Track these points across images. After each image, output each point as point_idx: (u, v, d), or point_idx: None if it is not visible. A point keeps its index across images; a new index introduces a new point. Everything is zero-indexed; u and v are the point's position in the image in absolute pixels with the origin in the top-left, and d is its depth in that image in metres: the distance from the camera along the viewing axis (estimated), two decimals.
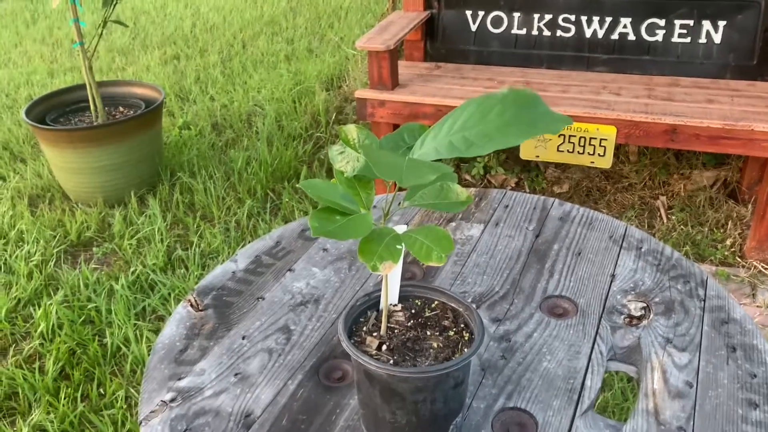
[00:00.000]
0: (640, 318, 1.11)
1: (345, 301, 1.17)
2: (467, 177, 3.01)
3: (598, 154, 2.38)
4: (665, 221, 2.71)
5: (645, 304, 1.14)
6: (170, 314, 2.25)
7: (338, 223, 0.69)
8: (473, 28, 2.84)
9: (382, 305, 0.88)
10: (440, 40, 2.91)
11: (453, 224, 1.38)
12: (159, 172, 3.04)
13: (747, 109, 2.31)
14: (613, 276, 1.21)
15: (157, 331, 2.21)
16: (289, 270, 1.26)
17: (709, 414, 0.93)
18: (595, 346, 1.06)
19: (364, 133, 0.77)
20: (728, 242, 2.57)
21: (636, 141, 2.33)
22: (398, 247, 0.71)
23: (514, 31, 2.78)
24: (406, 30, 2.61)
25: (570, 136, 2.38)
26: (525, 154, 2.47)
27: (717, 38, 2.56)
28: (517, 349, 1.05)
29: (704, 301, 1.14)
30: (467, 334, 0.86)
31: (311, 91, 3.87)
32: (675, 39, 2.60)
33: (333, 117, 3.57)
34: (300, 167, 3.15)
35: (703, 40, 2.57)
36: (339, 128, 0.76)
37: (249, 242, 2.61)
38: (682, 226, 2.66)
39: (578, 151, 2.40)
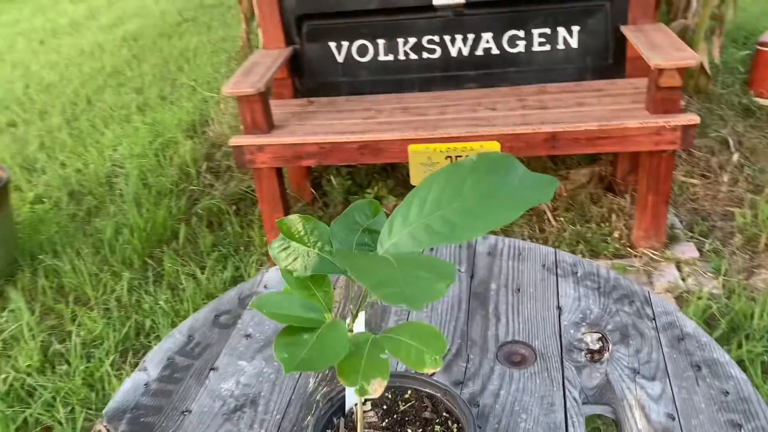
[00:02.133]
0: (600, 351, 1.06)
1: (286, 395, 1.03)
2: None
3: None
4: (554, 224, 2.77)
5: (600, 334, 1.09)
6: (59, 423, 1.97)
7: (308, 345, 0.56)
8: (340, 59, 2.76)
9: (352, 408, 0.76)
10: (308, 75, 2.81)
11: None
12: (16, 259, 2.69)
13: (615, 107, 2.41)
14: (559, 309, 1.16)
15: None
16: (212, 369, 1.10)
17: None
18: (567, 392, 0.99)
19: (311, 224, 0.65)
20: (616, 234, 2.67)
21: (519, 152, 2.35)
22: (383, 357, 0.59)
23: (381, 58, 2.74)
24: (273, 69, 2.48)
25: (456, 156, 2.36)
26: (415, 180, 2.43)
27: (573, 43, 2.66)
28: (489, 413, 0.96)
29: (654, 320, 1.11)
30: (455, 426, 0.76)
31: (174, 141, 3.62)
32: (536, 48, 2.68)
33: (204, 166, 3.35)
34: (177, 226, 2.92)
35: (561, 46, 2.66)
36: (278, 222, 0.64)
37: (135, 321, 2.36)
38: (570, 226, 2.73)
39: None
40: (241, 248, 2.77)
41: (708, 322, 2.14)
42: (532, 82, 2.71)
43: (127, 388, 1.07)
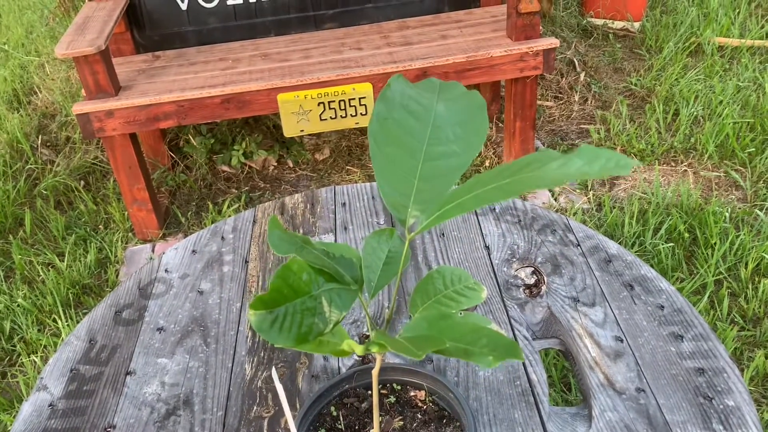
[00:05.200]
0: (537, 285, 1.06)
1: (223, 388, 0.92)
2: (225, 168, 2.75)
3: (360, 114, 2.31)
4: None
5: (532, 268, 1.09)
6: None
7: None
8: (183, 6, 2.51)
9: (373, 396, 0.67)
10: (149, 27, 2.53)
11: None
12: None
13: (478, 38, 2.41)
14: (487, 248, 1.14)
15: None
16: (128, 374, 0.96)
17: (651, 363, 0.91)
18: (515, 332, 0.98)
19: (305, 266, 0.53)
20: (487, 164, 2.73)
21: None
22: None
23: (230, 2, 2.53)
24: (111, 23, 2.20)
25: (329, 102, 2.26)
26: (288, 131, 2.30)
27: None
28: (444, 366, 0.93)
29: (579, 245, 1.12)
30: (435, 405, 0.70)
31: None
32: None
33: (38, 140, 2.97)
34: (20, 212, 2.58)
35: None
36: (271, 283, 0.51)
37: None
38: None
39: (341, 116, 2.30)
40: (101, 227, 2.51)
41: None
42: (391, 18, 2.64)
43: (28, 414, 0.91)
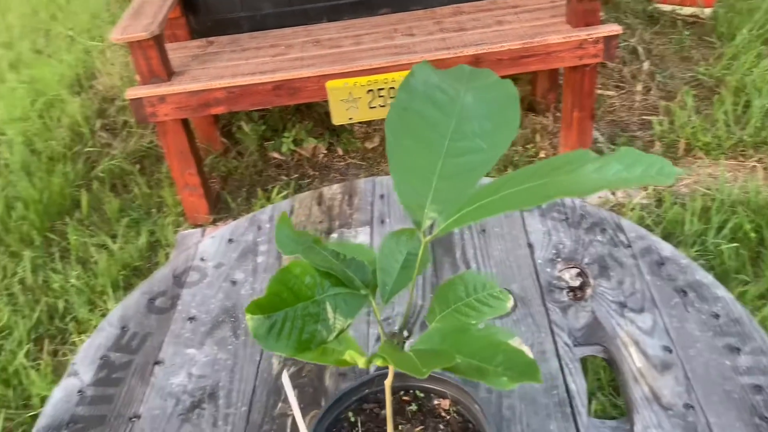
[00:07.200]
0: (581, 288, 0.99)
1: (249, 383, 0.91)
2: (276, 155, 2.74)
3: None
4: None
5: (578, 269, 1.02)
6: None
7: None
8: None
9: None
10: (204, 12, 2.54)
11: (335, 235, 1.15)
12: None
13: (535, 23, 2.32)
14: (530, 246, 1.08)
15: None
16: (156, 363, 0.95)
17: (702, 377, 0.84)
18: (556, 337, 0.92)
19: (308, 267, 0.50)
20: (542, 155, 2.64)
21: None
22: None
23: None
24: (165, 8, 2.22)
25: (379, 89, 2.22)
26: (338, 119, 2.27)
27: None
28: None
29: (630, 246, 1.05)
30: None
31: (59, 99, 3.25)
32: None
33: (97, 124, 3.04)
34: (77, 193, 2.64)
35: None
36: (269, 288, 0.47)
37: (46, 303, 2.13)
38: None
39: (390, 104, 2.25)
40: (153, 210, 2.55)
41: None
42: (446, 3, 2.57)
43: (58, 399, 0.91)
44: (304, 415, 0.82)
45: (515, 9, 2.46)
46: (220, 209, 2.53)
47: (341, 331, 0.44)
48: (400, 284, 0.51)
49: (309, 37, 2.45)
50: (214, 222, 2.47)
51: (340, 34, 2.44)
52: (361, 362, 0.43)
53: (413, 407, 0.67)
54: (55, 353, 1.98)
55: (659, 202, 2.30)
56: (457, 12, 2.50)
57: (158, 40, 2.14)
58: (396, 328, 0.94)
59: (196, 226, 2.45)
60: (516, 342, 0.46)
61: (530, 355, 0.46)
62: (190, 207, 2.44)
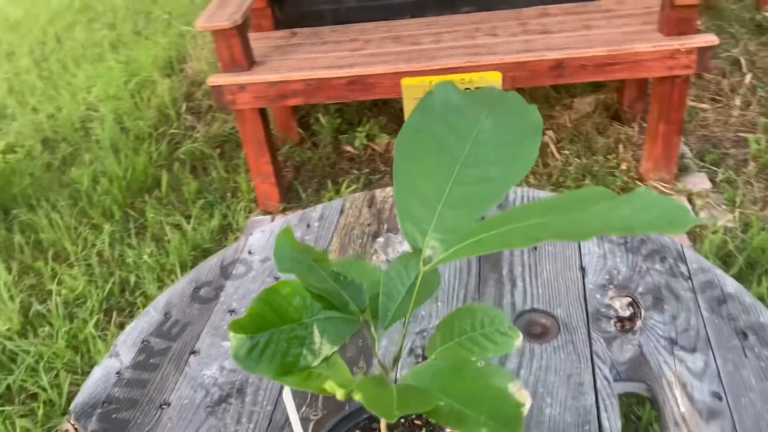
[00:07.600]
0: (631, 319, 0.94)
1: (276, 383, 0.91)
2: (349, 149, 2.76)
3: None
4: (558, 157, 2.62)
5: (630, 299, 0.97)
6: (44, 389, 1.87)
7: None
8: None
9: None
10: (289, 4, 2.58)
11: (381, 239, 1.13)
12: None
13: (625, 30, 2.21)
14: (582, 269, 1.03)
15: (31, 415, 1.82)
16: (193, 353, 0.97)
17: (752, 430, 0.78)
18: (596, 370, 0.87)
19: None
20: (624, 167, 2.53)
21: (524, 83, 2.18)
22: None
23: None
24: None
25: None
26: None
27: None
28: None
29: (690, 279, 0.98)
30: None
31: (150, 80, 3.40)
32: None
33: (183, 107, 3.15)
34: (158, 173, 2.75)
35: None
36: (250, 309, 0.45)
37: (119, 277, 2.23)
38: (575, 159, 2.58)
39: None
40: (228, 194, 2.62)
41: (724, 259, 2.03)
42: (533, 4, 2.50)
43: (97, 378, 0.95)
44: (323, 424, 0.82)
45: (607, 14, 2.36)
46: (290, 198, 2.57)
47: (327, 358, 0.42)
48: (402, 311, 0.49)
49: (389, 33, 2.43)
50: (283, 210, 2.51)
51: (421, 30, 2.42)
52: (339, 394, 0.42)
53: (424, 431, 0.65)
54: (121, 326, 2.07)
55: (746, 226, 2.15)
56: (543, 14, 2.42)
57: (241, 30, 2.19)
58: (419, 348, 0.91)
59: (266, 213, 2.50)
60: (515, 386, 0.43)
61: (529, 402, 0.43)
62: (262, 194, 2.49)
